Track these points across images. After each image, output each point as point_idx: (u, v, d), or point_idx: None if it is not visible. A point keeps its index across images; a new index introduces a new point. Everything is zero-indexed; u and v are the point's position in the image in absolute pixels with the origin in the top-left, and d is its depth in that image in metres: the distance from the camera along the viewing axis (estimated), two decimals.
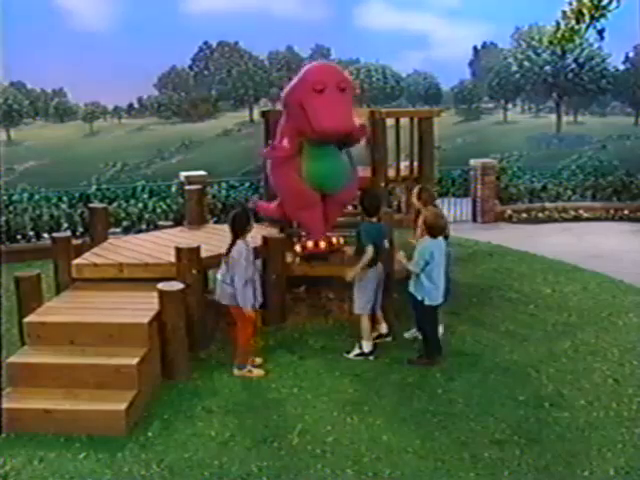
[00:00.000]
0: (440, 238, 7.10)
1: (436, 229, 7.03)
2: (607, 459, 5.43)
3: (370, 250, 7.18)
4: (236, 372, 6.99)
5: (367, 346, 7.39)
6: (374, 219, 7.50)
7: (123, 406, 5.90)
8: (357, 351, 7.39)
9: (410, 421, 6.01)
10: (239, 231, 6.86)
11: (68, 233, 9.44)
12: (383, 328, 7.75)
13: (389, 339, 7.74)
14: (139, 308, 6.88)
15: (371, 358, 7.33)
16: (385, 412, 6.18)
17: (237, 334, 7.04)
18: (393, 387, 6.65)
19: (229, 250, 6.84)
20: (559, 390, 6.59)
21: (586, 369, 7.07)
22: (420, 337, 7.47)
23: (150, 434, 5.87)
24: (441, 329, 7.60)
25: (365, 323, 7.41)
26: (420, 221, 7.31)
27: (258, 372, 6.99)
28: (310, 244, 8.28)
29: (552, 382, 6.76)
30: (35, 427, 5.89)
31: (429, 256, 6.96)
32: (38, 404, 5.99)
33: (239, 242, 6.83)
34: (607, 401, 6.36)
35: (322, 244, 8.27)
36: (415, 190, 8.14)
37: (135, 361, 6.20)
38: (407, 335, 7.82)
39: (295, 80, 7.68)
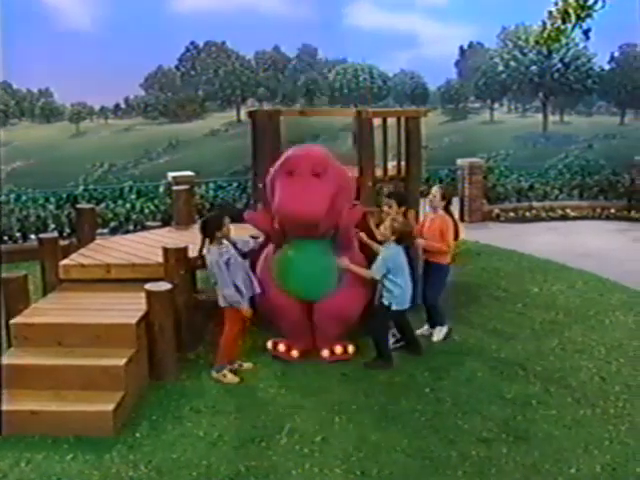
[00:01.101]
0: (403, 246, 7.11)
1: (405, 237, 7.05)
2: (594, 456, 5.46)
3: None
4: (213, 374, 6.91)
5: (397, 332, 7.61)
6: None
7: (111, 407, 5.88)
8: (393, 339, 7.55)
9: (398, 420, 6.02)
10: (209, 237, 6.81)
11: (55, 234, 9.38)
12: (397, 332, 7.69)
13: (402, 342, 7.64)
14: (127, 309, 6.87)
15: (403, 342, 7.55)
16: (373, 411, 6.19)
17: (224, 333, 7.01)
18: (381, 387, 6.66)
19: (200, 253, 6.87)
20: (546, 388, 6.62)
21: (573, 367, 7.11)
22: (433, 335, 7.73)
23: (138, 435, 5.86)
24: (425, 330, 7.81)
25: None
26: (385, 226, 7.13)
27: (232, 378, 6.86)
28: (282, 347, 7.39)
29: (539, 380, 6.79)
30: (22, 429, 5.86)
31: (392, 263, 6.99)
32: (25, 406, 5.96)
33: (212, 249, 6.77)
34: (594, 399, 6.39)
35: (294, 353, 7.33)
36: (437, 189, 7.86)
37: (123, 362, 6.18)
38: (420, 332, 7.85)
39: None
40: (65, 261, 7.86)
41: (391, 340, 7.58)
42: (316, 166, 6.66)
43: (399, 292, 7.03)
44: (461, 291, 9.36)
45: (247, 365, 7.17)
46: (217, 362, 6.98)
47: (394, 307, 7.05)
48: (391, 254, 7.02)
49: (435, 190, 7.86)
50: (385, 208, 7.68)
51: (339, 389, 6.63)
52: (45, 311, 7.01)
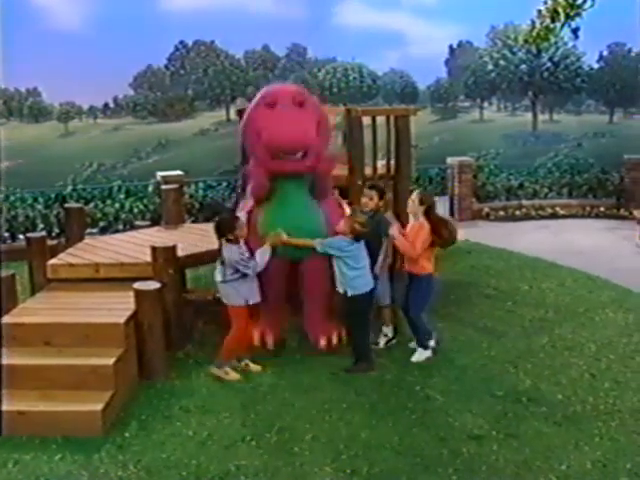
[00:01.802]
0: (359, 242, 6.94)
1: (360, 234, 6.85)
2: (584, 453, 5.46)
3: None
4: (213, 370, 6.89)
5: (390, 331, 7.59)
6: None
7: (99, 407, 5.84)
8: (385, 339, 7.54)
9: (388, 418, 6.01)
10: (223, 237, 6.73)
11: (43, 233, 9.32)
12: (390, 331, 7.67)
13: (395, 341, 7.64)
14: (115, 308, 6.82)
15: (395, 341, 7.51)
16: (363, 409, 6.17)
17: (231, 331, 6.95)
18: (371, 384, 6.64)
19: (219, 251, 6.77)
20: (537, 385, 6.62)
21: (563, 364, 7.12)
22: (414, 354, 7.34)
23: (127, 434, 5.83)
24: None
25: (389, 312, 7.56)
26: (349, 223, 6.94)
27: (234, 376, 6.86)
28: (255, 335, 7.33)
29: (529, 377, 6.79)
30: (10, 429, 5.82)
31: (334, 251, 6.87)
32: (13, 406, 5.92)
33: (233, 247, 6.68)
34: (584, 395, 6.40)
35: (269, 340, 7.36)
36: (415, 195, 7.43)
37: (111, 361, 6.15)
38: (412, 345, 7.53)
39: (247, 111, 7.18)
40: (53, 260, 7.81)
41: (382, 340, 7.56)
42: (297, 96, 6.83)
43: (352, 274, 6.84)
44: (451, 289, 9.34)
45: (254, 367, 7.05)
46: (219, 358, 6.92)
47: (350, 293, 6.89)
48: (337, 244, 6.87)
49: (414, 196, 7.40)
50: (365, 199, 7.40)
51: (329, 387, 6.61)
52: (33, 311, 6.96)
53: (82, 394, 6.01)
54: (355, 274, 6.87)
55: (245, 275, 6.70)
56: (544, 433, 5.75)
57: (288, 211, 7.08)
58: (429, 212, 7.23)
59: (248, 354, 7.12)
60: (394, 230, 7.17)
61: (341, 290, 6.96)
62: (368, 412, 6.12)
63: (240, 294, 6.77)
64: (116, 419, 6.03)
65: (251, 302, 6.88)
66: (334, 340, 7.38)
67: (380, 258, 7.29)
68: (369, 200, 7.35)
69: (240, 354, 7.07)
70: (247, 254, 6.74)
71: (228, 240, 6.67)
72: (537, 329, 8.10)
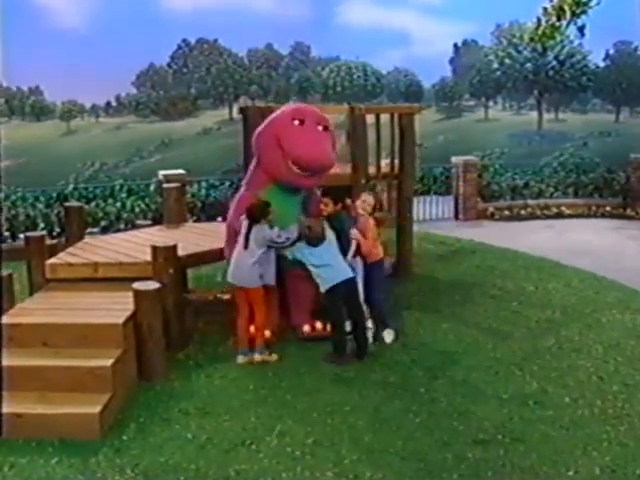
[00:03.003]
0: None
1: (312, 239, 7.06)
2: (593, 458, 5.33)
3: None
4: (256, 357, 7.06)
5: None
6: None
7: (97, 409, 5.73)
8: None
9: (392, 421, 5.88)
10: (255, 220, 7.03)
11: (42, 232, 9.21)
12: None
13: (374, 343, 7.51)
14: (114, 308, 6.71)
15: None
16: (366, 412, 6.04)
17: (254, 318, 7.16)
18: (375, 387, 6.51)
19: (247, 237, 7.03)
20: (543, 388, 6.49)
21: (570, 366, 6.98)
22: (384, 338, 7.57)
23: (125, 438, 5.71)
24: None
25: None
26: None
27: (274, 357, 7.12)
28: (252, 328, 7.28)
29: (536, 380, 6.66)
30: (6, 432, 5.69)
31: (300, 256, 7.18)
32: (10, 408, 5.78)
33: (257, 226, 7.01)
34: (592, 398, 6.27)
35: (267, 332, 7.32)
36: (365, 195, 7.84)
37: (109, 362, 6.03)
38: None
39: (269, 119, 7.34)
40: (52, 260, 7.70)
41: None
42: (322, 120, 7.23)
43: (317, 272, 7.11)
44: (456, 290, 9.24)
45: (274, 356, 7.16)
46: (257, 344, 7.11)
47: (322, 288, 7.11)
48: (298, 250, 7.17)
49: (364, 197, 7.76)
50: (321, 206, 7.51)
51: (332, 389, 6.48)
52: (31, 311, 6.86)
53: (79, 396, 5.90)
54: (319, 271, 7.10)
55: (265, 255, 7.04)
56: (551, 437, 5.62)
57: (281, 221, 7.22)
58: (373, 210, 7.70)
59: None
60: (353, 231, 7.41)
61: (321, 289, 7.16)
62: (371, 415, 5.99)
63: (262, 275, 7.05)
64: (114, 422, 5.92)
65: (269, 283, 7.19)
66: (318, 326, 7.55)
67: (350, 253, 7.38)
68: (324, 207, 7.51)
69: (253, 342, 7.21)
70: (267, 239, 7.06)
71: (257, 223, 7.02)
72: (543, 330, 7.97)
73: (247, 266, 7.00)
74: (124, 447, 5.57)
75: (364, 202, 7.63)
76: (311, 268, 7.13)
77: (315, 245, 7.06)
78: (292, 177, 7.09)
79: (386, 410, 6.08)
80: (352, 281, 7.22)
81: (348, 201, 7.71)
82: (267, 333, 7.31)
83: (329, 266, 7.08)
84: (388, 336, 7.55)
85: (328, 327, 7.46)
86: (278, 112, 7.36)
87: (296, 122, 7.02)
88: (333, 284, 7.05)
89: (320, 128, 7.10)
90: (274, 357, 7.09)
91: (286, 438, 5.65)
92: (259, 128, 7.34)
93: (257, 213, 7.06)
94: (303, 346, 7.41)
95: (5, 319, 6.57)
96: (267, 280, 7.13)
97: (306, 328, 7.55)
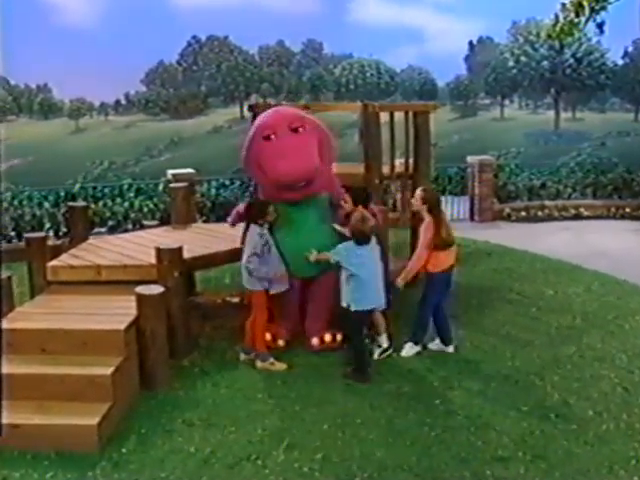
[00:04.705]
0: (368, 245, 6.63)
1: (357, 234, 6.56)
2: (620, 477, 5.02)
3: None
4: (259, 364, 6.85)
5: (384, 340, 7.13)
6: None
7: (95, 420, 5.46)
8: (379, 349, 7.10)
9: (406, 435, 5.57)
10: (252, 220, 6.82)
11: (43, 233, 8.94)
12: (384, 341, 7.19)
13: (390, 351, 7.17)
14: (116, 313, 6.44)
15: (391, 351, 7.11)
16: (379, 425, 5.74)
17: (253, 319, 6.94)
18: (387, 398, 6.21)
19: (244, 237, 6.86)
20: (565, 400, 6.17)
21: (593, 376, 6.66)
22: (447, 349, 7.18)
23: (124, 450, 5.43)
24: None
25: (381, 319, 7.08)
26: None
27: (280, 366, 6.83)
28: (267, 337, 7.12)
29: (557, 391, 6.33)
30: (1, 442, 5.41)
31: (341, 257, 6.62)
32: (6, 418, 5.51)
33: (252, 226, 6.77)
34: (617, 412, 5.93)
35: (280, 342, 7.22)
36: (418, 193, 7.22)
37: (110, 371, 5.76)
38: (432, 346, 7.28)
39: (246, 143, 7.03)
40: (53, 262, 7.44)
41: (377, 351, 7.13)
42: (292, 122, 6.72)
43: (354, 292, 6.58)
44: (472, 294, 8.92)
45: (280, 365, 6.87)
46: (258, 350, 6.87)
47: (353, 308, 6.60)
48: (344, 248, 6.66)
49: (417, 193, 7.22)
50: (342, 202, 7.19)
51: (343, 400, 6.18)
52: (29, 315, 6.59)
53: (78, 406, 5.64)
54: (356, 294, 6.60)
55: (263, 257, 6.73)
56: (575, 454, 5.30)
57: (298, 236, 7.01)
58: (432, 210, 7.02)
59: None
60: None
61: (344, 304, 6.67)
62: (384, 428, 5.69)
63: (258, 279, 6.74)
64: (113, 433, 5.64)
65: (272, 290, 6.86)
66: (326, 338, 7.24)
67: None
68: (344, 203, 7.20)
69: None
70: (267, 238, 6.79)
71: (255, 222, 6.77)
72: (564, 337, 7.65)
73: (242, 267, 6.82)
74: (123, 461, 5.30)
75: (416, 200, 7.14)
76: (344, 282, 6.64)
77: (362, 243, 6.56)
78: (287, 195, 6.85)
79: (399, 423, 5.78)
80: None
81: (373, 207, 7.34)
82: (267, 336, 7.11)
83: (368, 283, 6.59)
84: (409, 349, 7.14)
85: (338, 338, 7.21)
86: (252, 129, 7.03)
87: (263, 140, 6.70)
88: (365, 309, 6.66)
89: (291, 133, 6.68)
90: (278, 366, 6.79)
91: (294, 452, 5.36)
92: (242, 153, 7.06)
93: (255, 212, 6.84)
94: (313, 355, 7.13)
95: (2, 324, 6.30)
96: (272, 287, 6.87)
97: (314, 341, 7.23)
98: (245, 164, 7.11)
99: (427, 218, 6.99)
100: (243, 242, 6.97)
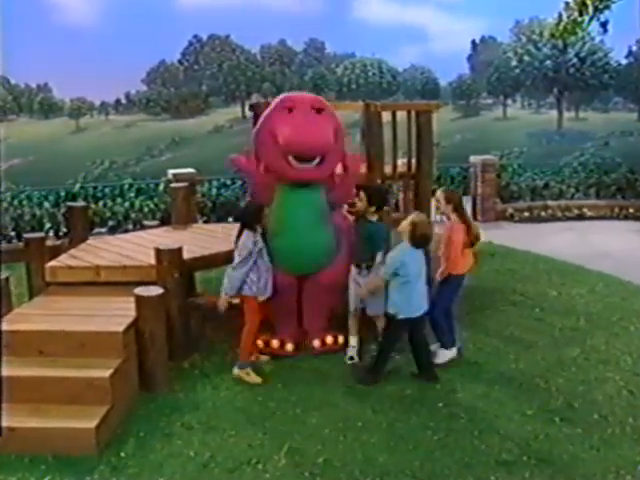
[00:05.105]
0: (420, 250, 6.47)
1: (421, 238, 6.37)
2: None
3: (380, 257, 6.79)
4: (235, 371, 6.62)
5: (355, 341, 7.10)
6: (374, 218, 6.99)
7: (93, 424, 5.37)
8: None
9: (408, 439, 5.49)
10: (247, 226, 6.58)
11: (41, 234, 8.84)
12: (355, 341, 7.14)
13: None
14: (115, 314, 6.36)
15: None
16: (381, 429, 5.65)
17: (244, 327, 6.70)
18: (390, 401, 6.12)
19: (237, 241, 6.62)
20: (570, 403, 6.08)
21: (598, 379, 6.57)
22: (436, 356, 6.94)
23: (123, 454, 5.35)
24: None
25: (383, 322, 6.92)
26: (404, 225, 6.49)
27: (255, 378, 6.53)
28: (275, 343, 7.09)
29: (562, 394, 6.24)
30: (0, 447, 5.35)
31: (400, 264, 6.36)
32: (4, 422, 5.44)
33: (249, 233, 6.53)
34: (622, 415, 5.84)
35: (289, 346, 7.09)
36: (440, 194, 7.04)
37: (108, 373, 5.67)
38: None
39: (263, 116, 6.93)
40: (52, 263, 7.36)
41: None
42: (315, 102, 6.73)
43: (402, 301, 6.38)
44: (475, 295, 8.79)
45: (264, 357, 6.91)
46: (240, 358, 6.65)
47: (400, 316, 6.42)
48: (399, 254, 6.43)
49: (438, 194, 7.04)
50: (356, 200, 7.06)
51: (344, 403, 6.10)
52: (27, 317, 6.50)
53: (76, 409, 5.55)
54: (403, 302, 6.40)
55: (255, 263, 6.55)
56: (580, 459, 5.21)
57: (297, 223, 6.84)
58: (457, 210, 6.87)
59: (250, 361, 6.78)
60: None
61: (391, 311, 6.46)
62: (386, 432, 5.60)
63: (248, 284, 6.57)
64: (112, 436, 5.56)
65: (260, 298, 6.66)
66: (328, 340, 7.17)
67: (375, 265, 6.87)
68: (359, 201, 7.05)
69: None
70: (260, 245, 6.60)
71: (250, 228, 6.57)
72: (568, 339, 7.56)
73: (228, 271, 6.65)
74: (121, 465, 5.22)
75: (439, 202, 6.97)
76: (391, 290, 6.42)
77: (420, 247, 6.39)
78: (294, 172, 6.61)
79: (402, 426, 5.69)
80: (424, 316, 6.67)
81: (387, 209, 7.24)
82: (259, 343, 7.03)
83: (418, 289, 6.42)
84: (442, 356, 6.93)
85: (340, 340, 7.13)
86: (273, 102, 6.97)
87: (285, 110, 6.61)
88: (408, 317, 6.45)
89: (313, 111, 6.61)
90: (253, 378, 6.54)
91: (295, 457, 5.28)
92: (255, 128, 6.98)
93: (248, 217, 6.66)
94: (314, 357, 7.05)
95: (1, 325, 6.23)
96: (259, 291, 6.65)
97: (316, 344, 7.15)
98: (257, 135, 6.88)
99: (453, 217, 6.85)
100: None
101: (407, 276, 6.35)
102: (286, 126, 6.48)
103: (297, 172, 6.61)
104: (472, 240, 6.86)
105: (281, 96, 7.04)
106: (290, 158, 6.52)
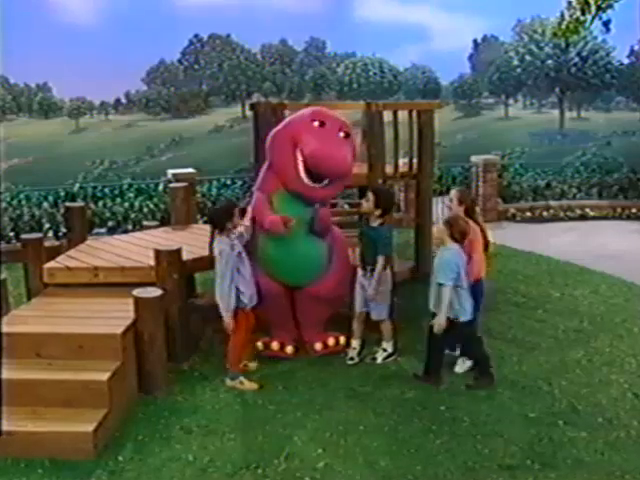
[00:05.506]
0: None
1: (460, 234, 6.24)
2: None
3: (382, 261, 6.67)
4: (228, 382, 6.45)
5: (390, 346, 6.96)
6: (377, 222, 6.85)
7: (91, 427, 5.30)
8: (384, 354, 6.95)
9: (410, 443, 5.41)
10: (219, 228, 6.31)
11: (39, 234, 8.76)
12: (390, 346, 7.01)
13: (395, 356, 7.02)
14: (113, 316, 6.28)
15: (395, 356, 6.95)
16: (382, 433, 5.58)
17: (231, 338, 6.49)
18: (392, 403, 6.05)
19: (210, 247, 6.38)
20: (574, 406, 6.00)
21: (602, 381, 6.50)
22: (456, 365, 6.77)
23: (121, 458, 5.27)
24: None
25: (388, 326, 6.92)
26: (439, 229, 6.43)
27: (250, 385, 6.40)
28: (275, 345, 7.04)
29: (566, 397, 6.17)
30: None
31: (456, 266, 6.20)
32: (1, 425, 5.38)
33: (223, 238, 6.27)
34: (627, 419, 5.77)
35: (289, 348, 7.03)
36: (454, 193, 6.92)
37: (106, 376, 5.60)
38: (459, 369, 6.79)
39: (287, 120, 6.85)
40: (50, 264, 7.28)
41: (381, 356, 6.97)
42: (344, 126, 6.65)
43: (464, 300, 6.27)
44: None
45: (252, 365, 6.78)
46: (230, 369, 6.50)
47: (462, 319, 6.28)
48: (454, 255, 6.24)
49: (452, 194, 6.88)
50: (363, 201, 6.99)
51: (346, 406, 6.02)
52: (24, 318, 6.43)
53: (73, 412, 5.48)
54: (463, 300, 6.30)
55: (239, 272, 6.30)
56: (585, 463, 5.13)
57: (289, 242, 6.61)
58: (468, 212, 6.74)
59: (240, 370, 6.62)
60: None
61: (452, 317, 6.28)
62: (388, 436, 5.53)
63: (240, 297, 6.36)
64: (110, 439, 5.49)
65: (249, 306, 6.48)
66: (330, 342, 7.10)
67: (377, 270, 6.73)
68: (365, 202, 6.92)
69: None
70: (239, 248, 6.34)
71: (221, 231, 6.29)
72: (571, 341, 7.49)
73: (216, 290, 6.34)
74: (119, 469, 5.14)
75: (451, 202, 6.81)
76: (454, 294, 6.21)
77: (460, 243, 6.25)
78: (301, 187, 6.49)
79: (404, 430, 5.62)
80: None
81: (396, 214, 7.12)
82: (259, 345, 6.99)
83: (466, 293, 6.29)
84: (462, 364, 6.75)
85: (341, 341, 7.06)
86: (297, 114, 6.85)
87: (316, 123, 6.49)
88: (470, 319, 6.35)
89: (342, 135, 6.53)
90: (248, 385, 6.40)
91: (295, 461, 5.20)
92: (275, 129, 6.80)
93: (218, 217, 6.39)
94: (314, 360, 6.97)
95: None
96: (249, 301, 6.48)
97: (318, 346, 7.06)
98: (275, 142, 6.66)
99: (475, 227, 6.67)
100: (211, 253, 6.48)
101: (462, 282, 6.25)
102: (314, 139, 6.36)
103: (303, 188, 6.51)
104: (486, 243, 6.75)
105: (313, 108, 6.94)
106: (302, 174, 6.42)
